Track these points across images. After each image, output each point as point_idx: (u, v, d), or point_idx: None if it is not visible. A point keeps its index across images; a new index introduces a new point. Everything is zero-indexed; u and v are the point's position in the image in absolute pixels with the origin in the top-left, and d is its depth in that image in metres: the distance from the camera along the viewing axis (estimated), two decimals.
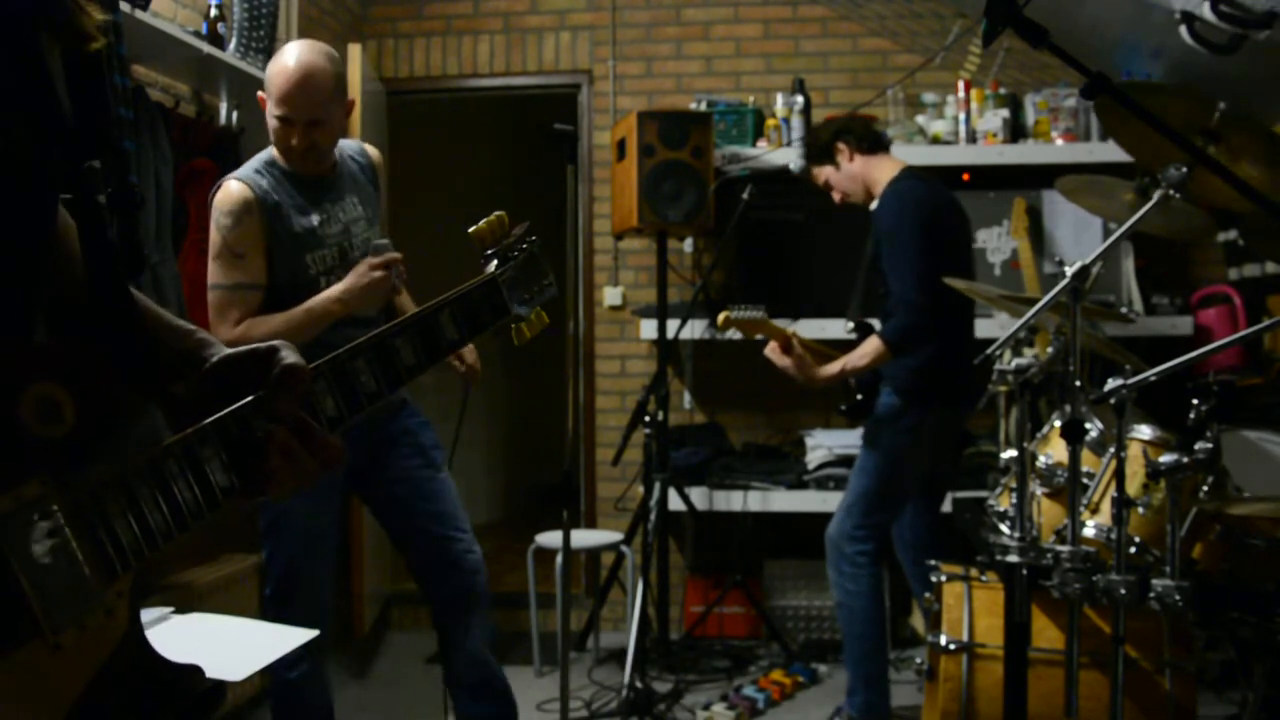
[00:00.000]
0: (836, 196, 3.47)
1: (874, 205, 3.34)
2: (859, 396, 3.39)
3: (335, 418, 0.98)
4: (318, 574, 2.67)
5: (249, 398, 0.92)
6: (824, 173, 3.46)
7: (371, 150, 2.77)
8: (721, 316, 3.27)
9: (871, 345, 3.16)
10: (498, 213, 1.18)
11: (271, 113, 2.51)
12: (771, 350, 3.29)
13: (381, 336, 1.01)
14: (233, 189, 2.49)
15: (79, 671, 0.82)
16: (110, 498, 0.82)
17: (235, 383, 0.95)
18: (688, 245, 4.83)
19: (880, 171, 3.33)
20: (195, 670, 0.91)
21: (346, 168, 2.67)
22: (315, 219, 2.55)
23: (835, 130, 3.42)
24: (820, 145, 3.44)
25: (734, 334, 4.46)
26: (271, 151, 2.59)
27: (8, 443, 0.79)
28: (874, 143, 3.40)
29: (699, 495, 4.40)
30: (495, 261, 1.14)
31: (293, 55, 2.48)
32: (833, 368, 3.24)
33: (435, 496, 2.70)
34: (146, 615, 1.78)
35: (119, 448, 0.84)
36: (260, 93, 2.56)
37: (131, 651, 0.86)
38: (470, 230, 1.17)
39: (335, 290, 2.47)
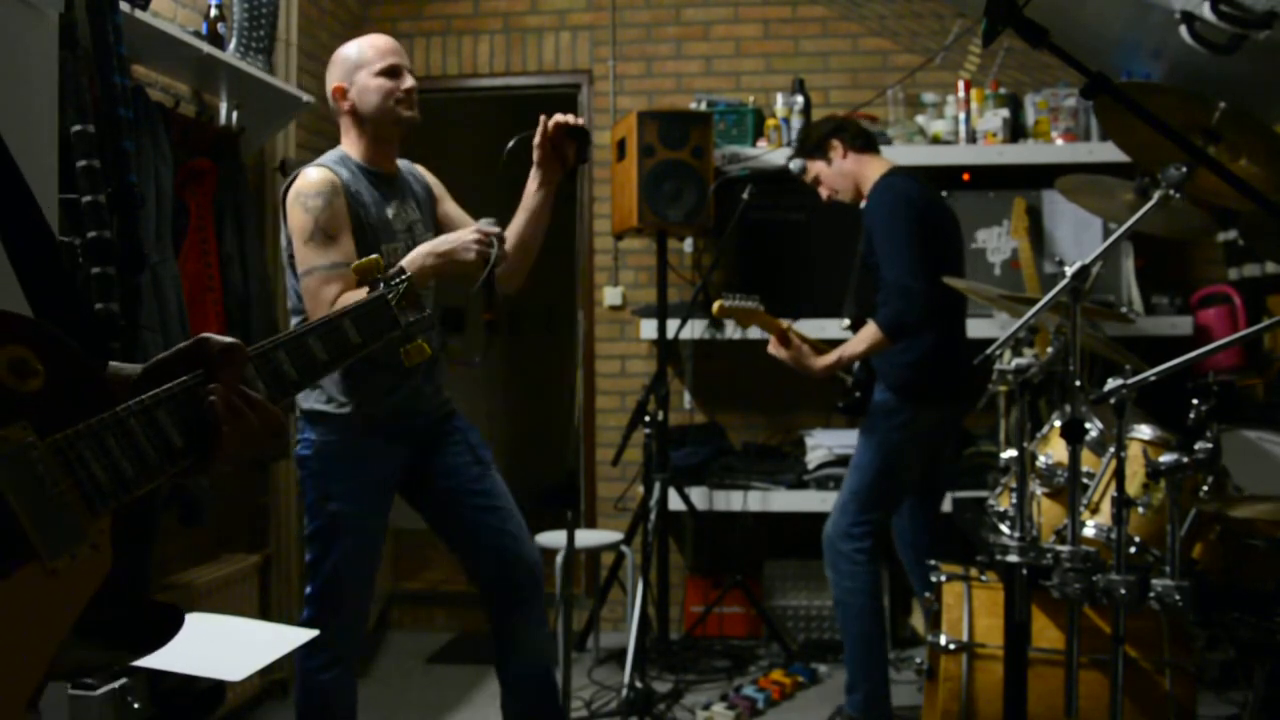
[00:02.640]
0: (824, 193, 3.49)
1: (864, 204, 3.35)
2: (857, 394, 3.40)
3: (266, 399, 1.10)
4: (363, 579, 2.63)
5: (195, 372, 1.03)
6: (815, 168, 3.49)
7: (420, 168, 2.84)
8: (716, 305, 3.31)
9: (868, 331, 3.17)
10: (374, 255, 1.41)
11: (374, 71, 2.56)
12: (771, 344, 3.33)
13: (297, 334, 1.15)
14: (315, 174, 2.46)
15: (74, 598, 0.91)
16: (85, 445, 0.92)
17: (170, 380, 1.04)
18: (688, 245, 4.83)
19: (871, 170, 3.37)
20: (175, 610, 1.02)
21: (405, 174, 2.74)
22: (390, 212, 2.59)
23: (830, 127, 3.46)
24: (814, 140, 3.47)
25: (734, 334, 4.46)
26: (342, 150, 2.62)
27: None
28: (866, 142, 3.44)
29: (699, 495, 4.40)
30: (381, 286, 1.35)
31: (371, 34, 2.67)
32: (829, 357, 3.26)
33: (487, 491, 2.68)
34: None
35: (84, 405, 0.93)
36: (337, 83, 2.59)
37: (118, 585, 0.96)
38: (352, 265, 1.42)
39: (428, 245, 2.42)
